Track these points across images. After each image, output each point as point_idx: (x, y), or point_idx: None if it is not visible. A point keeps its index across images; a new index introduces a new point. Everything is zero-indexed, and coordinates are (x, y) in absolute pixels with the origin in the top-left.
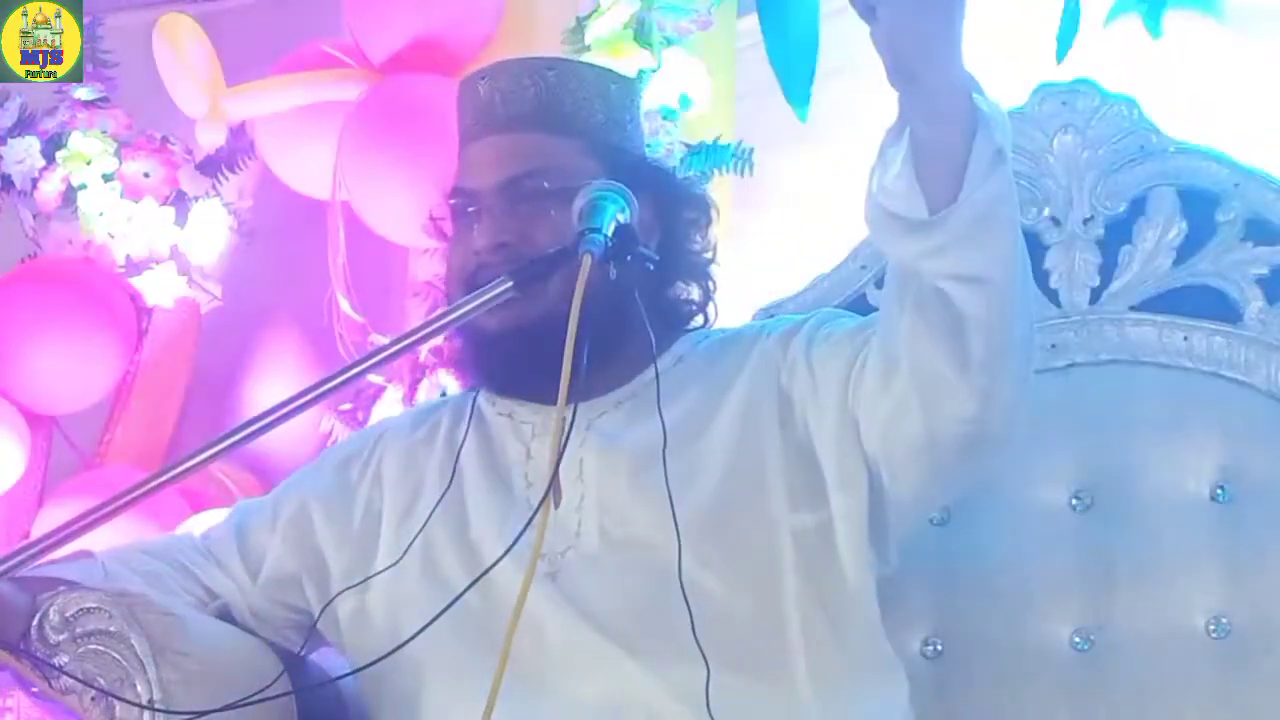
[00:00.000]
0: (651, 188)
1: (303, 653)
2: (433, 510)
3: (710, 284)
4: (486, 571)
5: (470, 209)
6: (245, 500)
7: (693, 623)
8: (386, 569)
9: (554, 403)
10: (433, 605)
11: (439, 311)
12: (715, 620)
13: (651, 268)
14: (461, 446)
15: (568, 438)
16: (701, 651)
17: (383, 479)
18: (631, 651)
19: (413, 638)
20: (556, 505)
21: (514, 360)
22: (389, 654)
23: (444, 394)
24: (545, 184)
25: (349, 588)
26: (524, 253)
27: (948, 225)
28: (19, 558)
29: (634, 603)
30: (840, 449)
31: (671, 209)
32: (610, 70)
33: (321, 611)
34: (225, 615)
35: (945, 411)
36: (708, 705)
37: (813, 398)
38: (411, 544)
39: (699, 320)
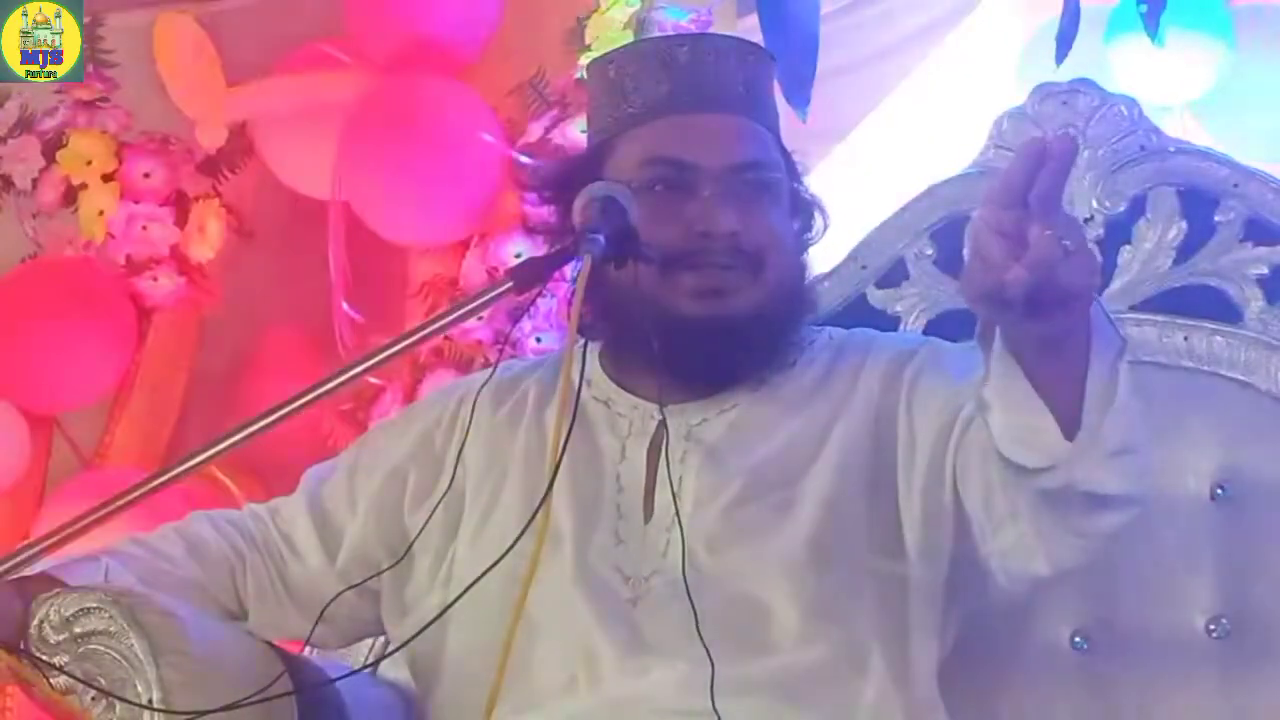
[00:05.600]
0: (796, 188)
1: (309, 650)
2: (436, 504)
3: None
4: (473, 585)
5: (687, 184)
6: (317, 471)
7: (697, 623)
8: (388, 567)
9: (657, 400)
10: (504, 602)
11: (439, 312)
12: (783, 655)
13: (654, 266)
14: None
15: (565, 447)
16: (707, 650)
17: (466, 464)
18: (703, 687)
19: (406, 643)
20: (646, 521)
21: (703, 347)
22: (390, 653)
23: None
24: (768, 175)
25: (360, 582)
26: (744, 244)
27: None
28: (19, 558)
29: (708, 634)
30: (926, 525)
31: (802, 213)
32: (769, 54)
33: (337, 594)
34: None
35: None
36: (713, 702)
37: (907, 460)
38: (419, 535)
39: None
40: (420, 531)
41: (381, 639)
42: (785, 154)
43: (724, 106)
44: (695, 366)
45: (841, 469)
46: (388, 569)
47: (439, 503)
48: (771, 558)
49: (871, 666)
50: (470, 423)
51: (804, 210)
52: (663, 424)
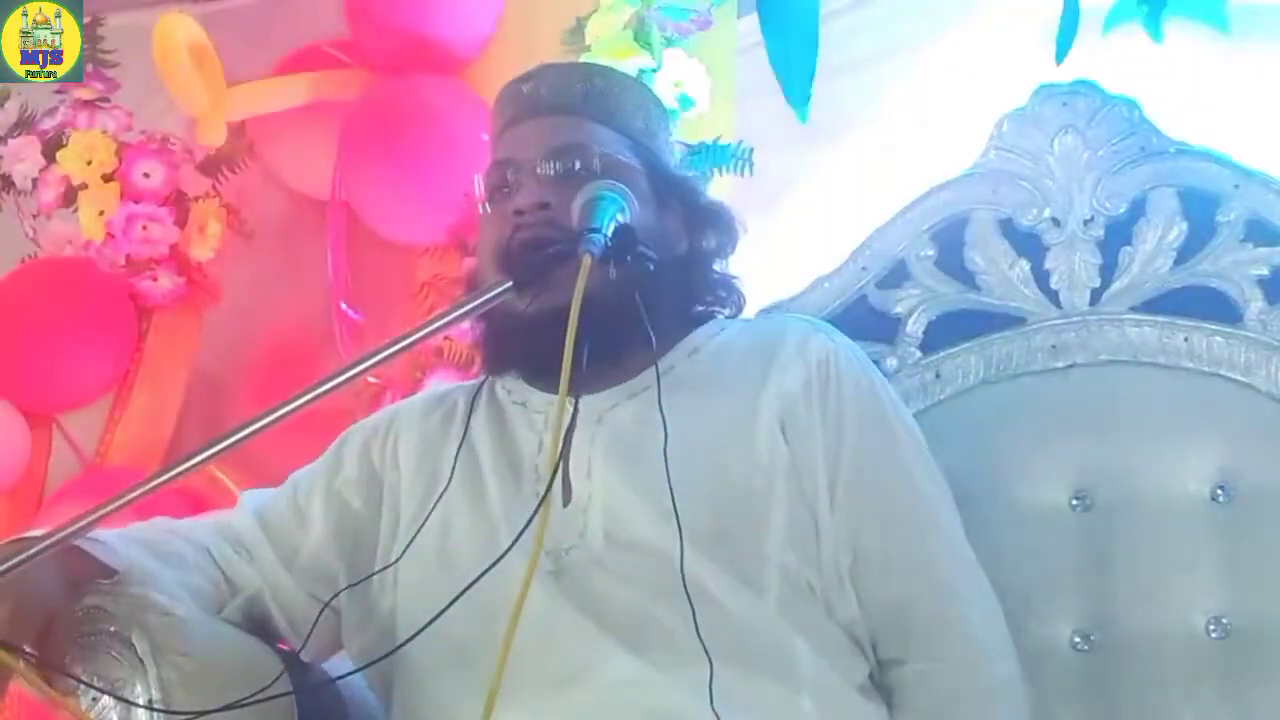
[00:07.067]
0: (683, 201)
1: (300, 653)
2: (431, 510)
3: (737, 298)
4: (473, 584)
5: (510, 177)
6: (253, 493)
7: (695, 618)
8: (384, 568)
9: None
10: (451, 590)
11: (439, 312)
12: (717, 622)
13: (651, 267)
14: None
15: (569, 437)
16: (705, 648)
17: (400, 467)
18: (634, 649)
19: (405, 643)
20: (566, 503)
21: (539, 346)
22: (387, 655)
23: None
24: (592, 155)
25: (350, 585)
26: (561, 218)
27: None
28: (20, 557)
29: (637, 603)
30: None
31: (699, 225)
32: (650, 89)
33: (324, 607)
34: (249, 611)
35: None
36: (711, 701)
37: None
38: (412, 540)
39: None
40: (406, 548)
41: None
42: (647, 152)
43: (553, 111)
44: (540, 361)
45: (763, 454)
46: (375, 576)
47: (426, 515)
48: (683, 523)
49: (799, 645)
50: (465, 431)
51: (686, 211)
52: (575, 412)
